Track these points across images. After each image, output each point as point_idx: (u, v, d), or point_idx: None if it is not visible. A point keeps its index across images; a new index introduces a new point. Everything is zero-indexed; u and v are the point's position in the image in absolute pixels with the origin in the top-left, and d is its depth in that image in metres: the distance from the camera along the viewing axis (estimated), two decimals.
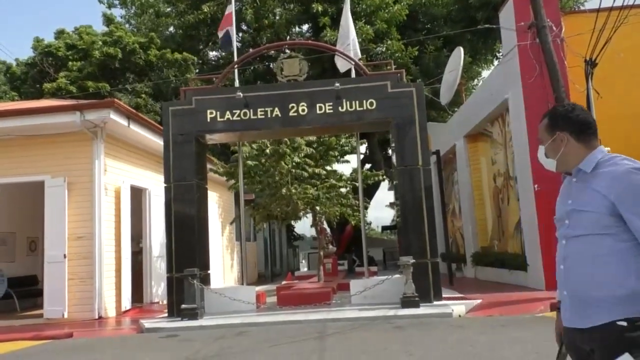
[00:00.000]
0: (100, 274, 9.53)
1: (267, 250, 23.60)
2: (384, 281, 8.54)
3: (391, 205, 36.67)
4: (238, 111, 9.08)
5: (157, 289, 11.65)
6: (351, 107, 8.94)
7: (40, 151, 9.87)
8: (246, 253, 11.11)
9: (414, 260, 8.18)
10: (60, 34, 21.05)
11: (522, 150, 9.98)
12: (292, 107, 9.02)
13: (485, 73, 24.78)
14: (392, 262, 28.53)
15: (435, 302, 8.38)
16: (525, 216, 10.12)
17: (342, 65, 10.55)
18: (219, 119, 9.11)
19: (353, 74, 10.12)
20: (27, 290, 11.37)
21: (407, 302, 7.97)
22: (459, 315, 7.70)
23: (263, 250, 22.88)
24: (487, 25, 11.63)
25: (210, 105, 9.16)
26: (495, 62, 23.68)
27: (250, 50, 16.83)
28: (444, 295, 8.80)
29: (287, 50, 20.32)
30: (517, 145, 10.33)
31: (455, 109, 22.90)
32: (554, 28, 9.05)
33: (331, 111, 8.97)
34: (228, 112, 9.09)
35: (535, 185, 9.56)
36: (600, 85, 8.77)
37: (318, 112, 8.98)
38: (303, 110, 9.01)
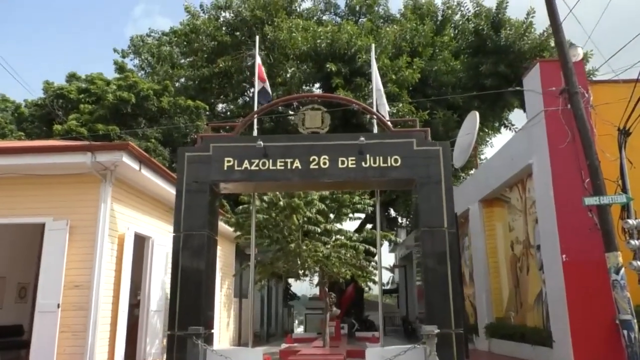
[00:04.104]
0: (94, 327, 8.79)
1: (262, 308, 22.69)
2: (406, 352, 7.86)
3: (391, 268, 35.84)
4: (257, 161, 8.72)
5: (152, 346, 10.84)
6: (375, 162, 8.60)
7: (43, 191, 9.39)
8: (252, 311, 10.41)
9: (438, 330, 7.58)
10: (71, 77, 21.12)
11: (549, 217, 9.56)
12: (314, 159, 8.67)
13: (494, 140, 24.89)
14: (391, 328, 27.52)
15: None
16: (552, 288, 9.57)
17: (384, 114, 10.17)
18: (236, 168, 8.73)
19: (375, 129, 9.88)
20: (11, 341, 10.54)
21: None
22: None
23: (259, 308, 21.98)
24: (515, 88, 11.50)
25: (228, 153, 8.80)
26: (503, 130, 23.84)
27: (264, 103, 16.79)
28: None
29: (298, 105, 20.35)
30: (543, 212, 9.93)
31: (462, 175, 22.78)
32: (586, 94, 8.91)
33: (354, 166, 8.62)
34: (246, 161, 8.73)
35: (564, 256, 9.08)
36: (631, 154, 8.53)
37: (340, 166, 8.63)
38: (325, 164, 8.66)
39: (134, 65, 24.70)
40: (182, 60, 23.86)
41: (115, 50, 24.50)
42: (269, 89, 10.95)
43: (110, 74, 23.33)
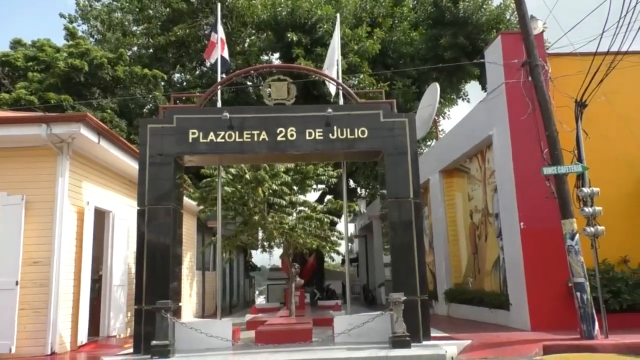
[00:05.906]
0: (56, 303, 8.58)
1: (225, 280, 22.70)
2: (374, 319, 8.08)
3: (351, 237, 36.42)
4: (222, 132, 8.57)
5: (116, 321, 10.69)
6: (342, 134, 8.62)
7: None
8: (220, 283, 10.38)
9: (405, 297, 7.81)
10: (16, 43, 19.91)
11: (508, 187, 9.91)
12: (281, 131, 8.60)
13: (451, 112, 25.39)
14: (352, 296, 28.11)
15: (425, 342, 7.99)
16: (510, 254, 9.99)
17: (332, 88, 10.17)
18: (201, 140, 8.56)
19: (341, 101, 9.86)
20: None
21: (397, 342, 7.52)
22: (452, 357, 7.34)
23: (221, 280, 21.96)
24: (479, 60, 11.67)
25: (193, 125, 8.60)
26: (460, 102, 24.28)
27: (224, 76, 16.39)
28: None
29: (257, 75, 19.98)
30: (502, 182, 10.27)
31: (422, 146, 23.15)
32: (546, 67, 9.16)
33: (321, 138, 8.61)
34: (212, 133, 8.56)
35: (522, 223, 9.47)
36: (586, 125, 8.87)
37: (307, 137, 8.60)
38: (292, 136, 8.61)
39: (82, 32, 23.56)
40: (135, 28, 22.88)
41: (62, 15, 23.26)
42: (227, 57, 10.64)
43: (56, 41, 22.17)
